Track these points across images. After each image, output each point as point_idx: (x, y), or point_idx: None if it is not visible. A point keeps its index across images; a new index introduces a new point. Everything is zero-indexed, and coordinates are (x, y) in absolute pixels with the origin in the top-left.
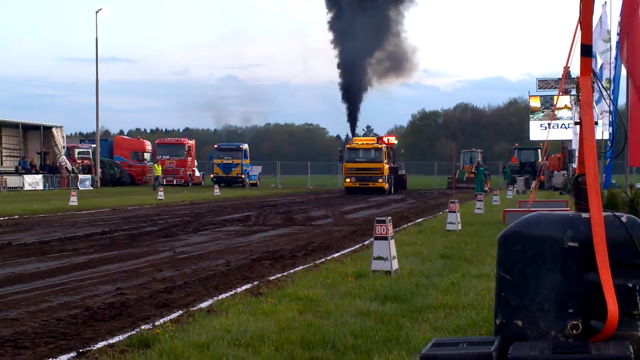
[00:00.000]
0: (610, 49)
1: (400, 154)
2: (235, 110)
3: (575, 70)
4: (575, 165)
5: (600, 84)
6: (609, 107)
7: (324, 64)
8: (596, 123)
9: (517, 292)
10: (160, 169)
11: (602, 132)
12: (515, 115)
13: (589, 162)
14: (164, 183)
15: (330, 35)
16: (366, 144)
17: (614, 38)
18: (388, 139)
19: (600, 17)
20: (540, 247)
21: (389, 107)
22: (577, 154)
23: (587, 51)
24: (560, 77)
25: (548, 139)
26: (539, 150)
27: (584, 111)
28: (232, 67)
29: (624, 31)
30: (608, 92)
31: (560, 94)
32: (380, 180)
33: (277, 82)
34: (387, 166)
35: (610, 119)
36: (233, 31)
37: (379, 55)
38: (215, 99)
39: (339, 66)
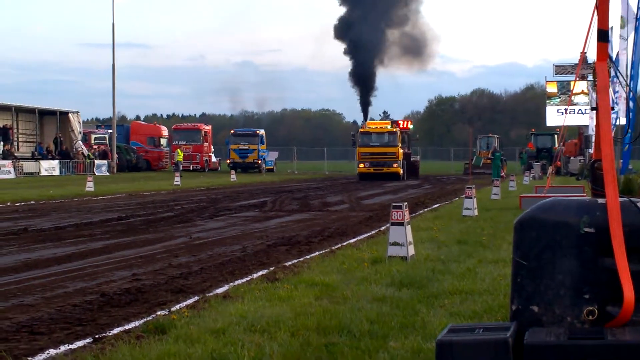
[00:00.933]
0: (628, 35)
1: (415, 139)
2: (251, 95)
3: (593, 56)
4: (591, 150)
5: (617, 70)
6: (626, 92)
7: (340, 49)
8: (613, 108)
9: (533, 278)
10: (182, 154)
11: (619, 117)
12: (531, 101)
13: (605, 147)
14: (181, 168)
15: (341, 12)
16: (380, 127)
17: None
18: (404, 123)
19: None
20: (556, 232)
21: (405, 92)
22: (593, 140)
23: (603, 36)
24: (577, 62)
25: (565, 124)
26: (556, 135)
27: (600, 97)
28: (249, 52)
29: None
30: (625, 77)
31: (577, 79)
32: (395, 165)
33: (294, 68)
34: (401, 150)
35: (629, 105)
36: (249, 16)
37: (393, 36)
38: (232, 85)
39: (348, 46)
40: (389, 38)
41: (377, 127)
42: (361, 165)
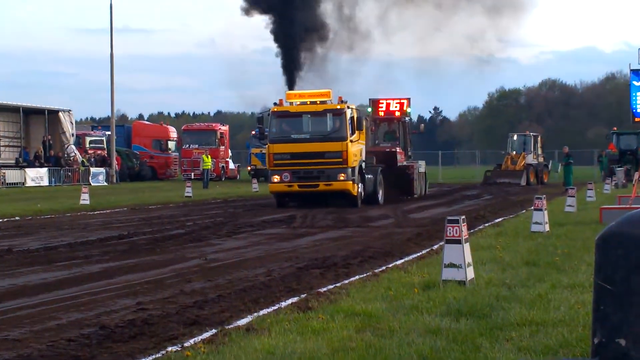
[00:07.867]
0: None
1: (417, 131)
2: (273, 89)
3: None
4: None
5: None
6: None
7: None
8: None
9: (620, 305)
10: (210, 160)
11: None
12: (613, 94)
13: None
14: (192, 177)
15: None
16: (310, 103)
17: None
18: (399, 103)
19: None
20: None
21: (459, 85)
22: None
23: None
24: None
25: None
26: None
27: None
28: (269, 37)
29: None
30: None
31: None
32: (341, 177)
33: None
34: (355, 149)
35: None
36: None
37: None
38: (250, 76)
39: None
40: None
41: (304, 103)
42: (275, 178)
